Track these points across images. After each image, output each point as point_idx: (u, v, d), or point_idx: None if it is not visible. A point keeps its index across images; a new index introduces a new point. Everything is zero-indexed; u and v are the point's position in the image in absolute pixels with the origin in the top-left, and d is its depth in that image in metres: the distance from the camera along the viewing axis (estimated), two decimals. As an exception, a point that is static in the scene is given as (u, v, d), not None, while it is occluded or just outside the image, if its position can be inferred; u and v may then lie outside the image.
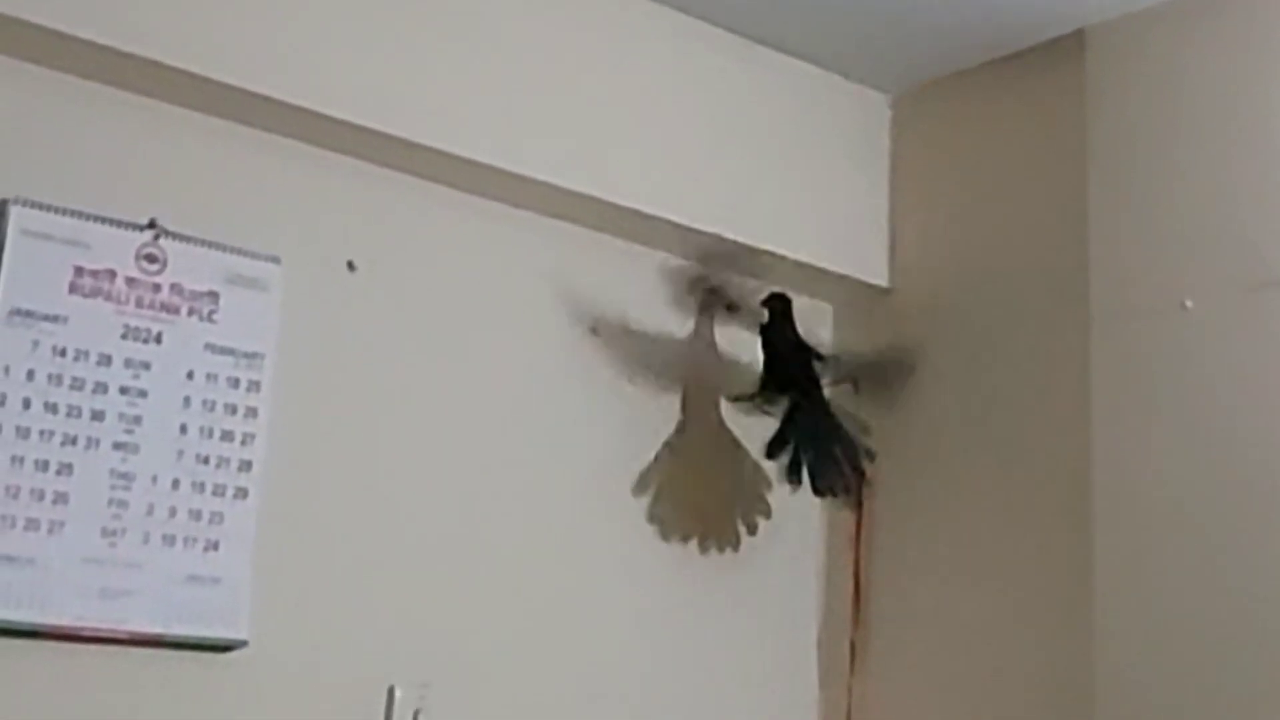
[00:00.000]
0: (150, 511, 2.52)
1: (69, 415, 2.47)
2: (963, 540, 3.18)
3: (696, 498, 3.26)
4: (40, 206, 2.49)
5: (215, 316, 2.64)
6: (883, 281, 3.49)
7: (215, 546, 2.57)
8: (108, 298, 2.54)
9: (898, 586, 3.31)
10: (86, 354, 2.50)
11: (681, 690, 3.18)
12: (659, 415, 3.24)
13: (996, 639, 3.07)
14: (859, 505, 3.41)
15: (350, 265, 2.86)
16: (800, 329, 3.30)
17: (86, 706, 2.46)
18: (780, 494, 3.28)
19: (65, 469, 2.45)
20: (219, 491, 2.59)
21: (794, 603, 3.44)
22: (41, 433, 2.44)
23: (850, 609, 3.38)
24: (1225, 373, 2.77)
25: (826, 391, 3.32)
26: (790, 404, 3.26)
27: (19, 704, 2.39)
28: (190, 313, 2.62)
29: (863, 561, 3.38)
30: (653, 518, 3.20)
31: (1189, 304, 2.84)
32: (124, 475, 2.50)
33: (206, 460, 2.58)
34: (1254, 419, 2.72)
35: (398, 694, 2.76)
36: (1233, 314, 2.78)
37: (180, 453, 2.56)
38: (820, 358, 3.30)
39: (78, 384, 2.48)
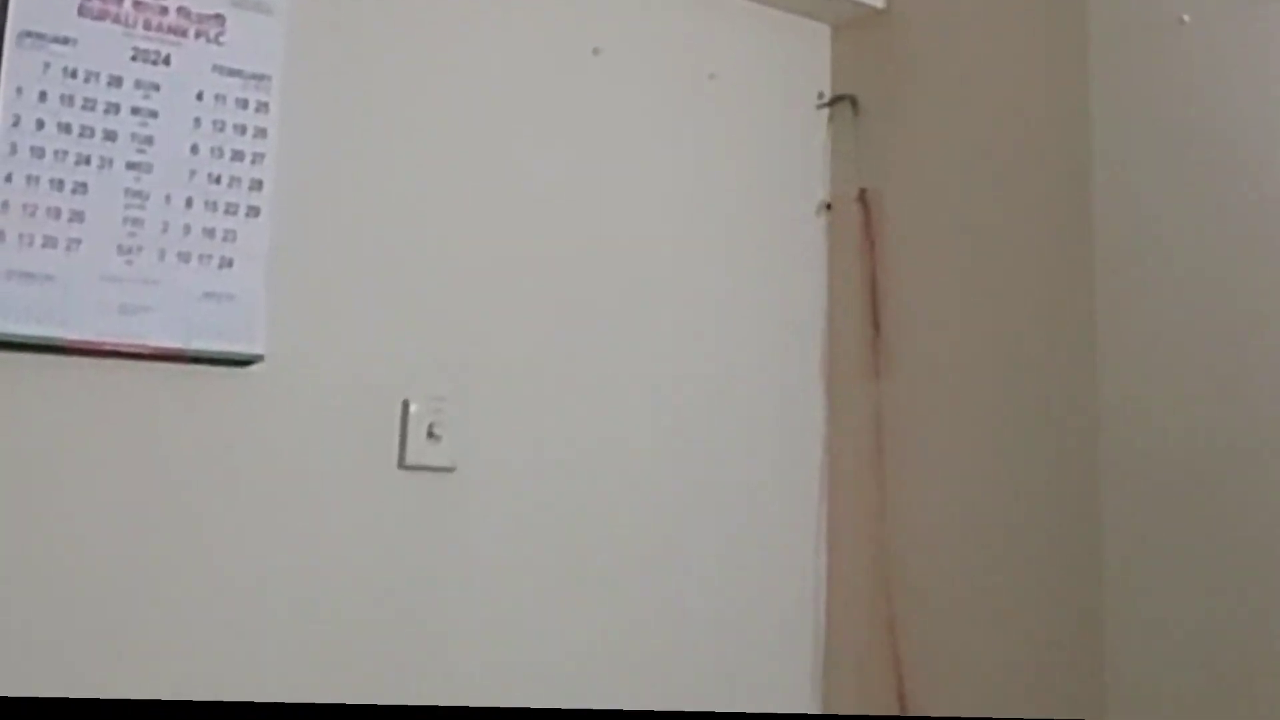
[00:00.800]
0: (165, 229, 2.56)
1: (82, 135, 2.50)
2: (967, 250, 3.22)
3: None
4: (46, -72, 2.50)
5: (222, 39, 2.66)
6: (879, 2, 3.49)
7: (229, 264, 2.62)
8: (116, 20, 2.55)
9: (908, 292, 3.35)
10: (97, 75, 2.52)
11: (700, 431, 3.27)
12: (663, 140, 3.28)
13: (1001, 354, 3.14)
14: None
15: (353, -13, 2.87)
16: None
17: (109, 419, 2.54)
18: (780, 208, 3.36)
19: (80, 188, 2.49)
20: (231, 210, 2.63)
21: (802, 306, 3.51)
22: (56, 153, 2.47)
23: (867, 312, 3.42)
24: (1224, 87, 2.78)
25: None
26: None
27: (44, 416, 2.47)
28: (197, 35, 2.63)
29: (876, 267, 3.42)
30: None
31: (1186, 18, 2.84)
32: (138, 194, 2.54)
33: (218, 180, 2.62)
34: (1253, 132, 2.73)
35: (412, 407, 2.83)
36: (1231, 27, 2.77)
37: (192, 172, 2.60)
38: None
39: (89, 105, 2.51)
